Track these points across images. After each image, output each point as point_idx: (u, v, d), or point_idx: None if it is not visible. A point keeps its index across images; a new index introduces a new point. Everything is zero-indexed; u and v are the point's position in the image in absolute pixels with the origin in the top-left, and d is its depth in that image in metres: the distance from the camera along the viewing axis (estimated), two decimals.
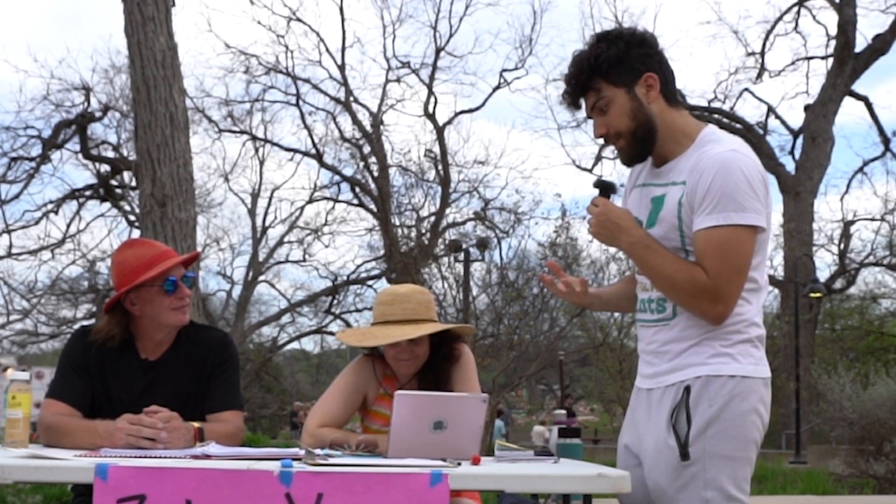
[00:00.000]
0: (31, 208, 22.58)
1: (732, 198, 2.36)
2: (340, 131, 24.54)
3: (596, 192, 2.61)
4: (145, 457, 2.28)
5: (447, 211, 21.94)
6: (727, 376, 2.43)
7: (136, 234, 19.04)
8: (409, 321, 3.02)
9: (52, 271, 23.61)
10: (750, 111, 37.97)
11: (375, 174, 22.64)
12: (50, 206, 22.69)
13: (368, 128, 23.88)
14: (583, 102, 2.58)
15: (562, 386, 26.95)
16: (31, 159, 21.95)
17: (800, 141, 26.38)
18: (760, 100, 27.78)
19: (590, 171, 25.36)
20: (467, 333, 3.27)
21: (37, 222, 22.73)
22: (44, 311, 23.43)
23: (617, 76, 2.49)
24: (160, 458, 2.27)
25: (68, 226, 23.30)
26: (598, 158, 25.10)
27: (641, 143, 2.53)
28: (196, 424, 2.67)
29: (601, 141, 2.61)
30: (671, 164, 2.53)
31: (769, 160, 26.27)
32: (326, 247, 45.22)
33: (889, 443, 11.49)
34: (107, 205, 23.15)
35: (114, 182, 22.77)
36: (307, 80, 24.63)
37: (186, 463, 2.17)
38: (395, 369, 3.13)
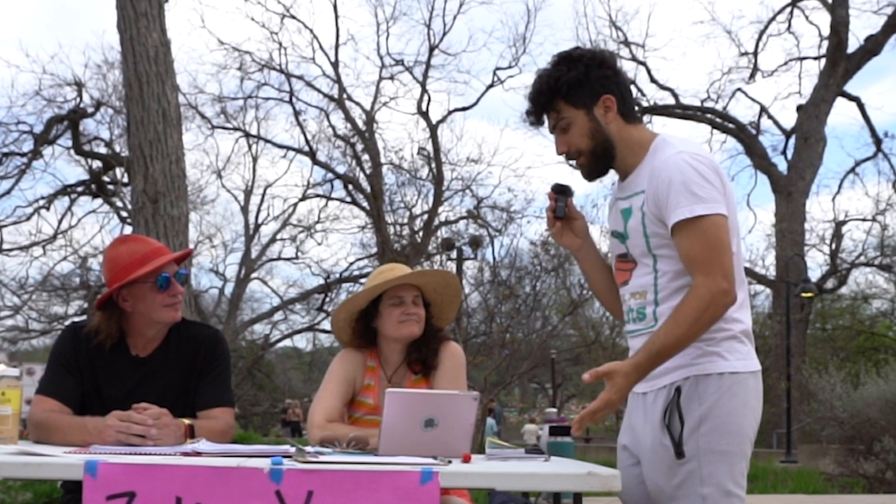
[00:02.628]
0: (23, 204, 22.57)
1: (690, 191, 2.45)
2: (334, 129, 24.52)
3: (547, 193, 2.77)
4: (135, 453, 2.27)
5: (440, 209, 21.96)
6: (716, 374, 2.49)
7: (128, 230, 18.97)
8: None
9: (43, 267, 23.61)
10: (743, 111, 38.16)
11: (368, 172, 22.63)
12: (41, 202, 22.67)
13: (362, 125, 23.86)
14: (545, 119, 2.68)
15: (553, 384, 26.98)
16: (23, 155, 21.91)
17: (792, 141, 26.45)
18: (753, 100, 27.92)
19: None
20: (457, 301, 3.40)
21: (28, 218, 22.71)
22: (35, 308, 23.40)
23: (577, 98, 2.60)
24: (150, 454, 2.26)
25: (60, 222, 23.29)
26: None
27: (600, 161, 2.65)
28: (186, 421, 2.66)
29: (564, 158, 2.71)
30: (631, 176, 2.64)
31: (761, 160, 26.36)
32: (319, 244, 45.12)
33: (879, 442, 11.53)
34: (99, 201, 23.14)
35: (106, 178, 22.72)
36: (301, 78, 24.59)
37: (176, 460, 2.16)
38: (399, 335, 3.17)
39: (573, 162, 2.69)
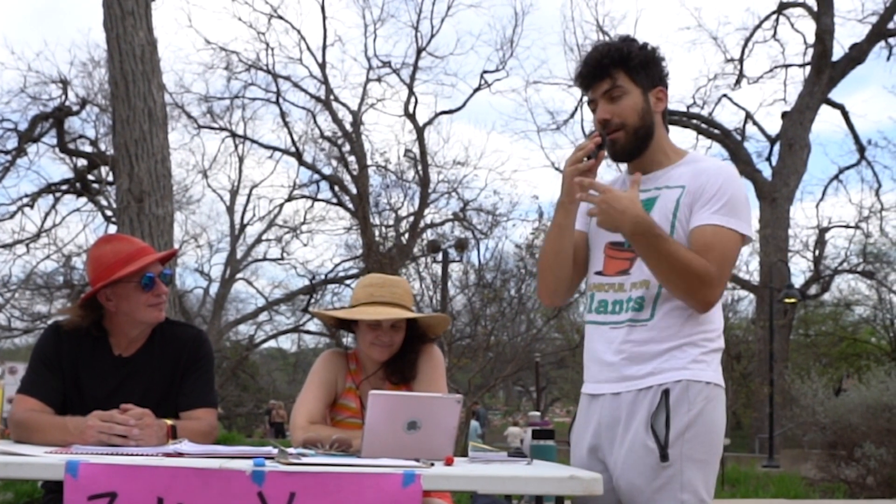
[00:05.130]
0: (6, 202, 22.41)
1: (735, 207, 2.52)
2: (320, 130, 24.53)
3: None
4: (117, 454, 2.26)
5: (426, 211, 21.95)
6: (704, 382, 2.50)
7: (112, 229, 18.88)
8: (397, 305, 3.11)
9: (26, 266, 23.45)
10: (728, 117, 38.17)
11: (355, 173, 22.61)
12: (25, 200, 22.52)
13: (348, 127, 23.86)
14: (590, 88, 2.65)
15: (538, 388, 27.00)
16: (7, 152, 21.77)
17: (777, 148, 26.62)
18: (739, 106, 28.07)
19: None
20: (444, 327, 3.34)
21: (12, 216, 22.57)
22: (18, 306, 23.23)
23: (639, 75, 2.63)
24: (132, 455, 2.25)
25: (44, 220, 23.16)
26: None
27: (638, 142, 2.63)
28: (169, 422, 2.65)
29: (601, 126, 2.63)
30: (658, 173, 2.64)
31: (746, 166, 26.47)
32: (305, 245, 45.21)
33: (860, 448, 11.60)
34: (83, 200, 23.02)
35: (91, 177, 22.62)
36: (287, 78, 24.59)
37: (158, 461, 2.15)
38: (368, 354, 3.16)
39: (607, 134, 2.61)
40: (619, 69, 2.61)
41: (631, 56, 2.61)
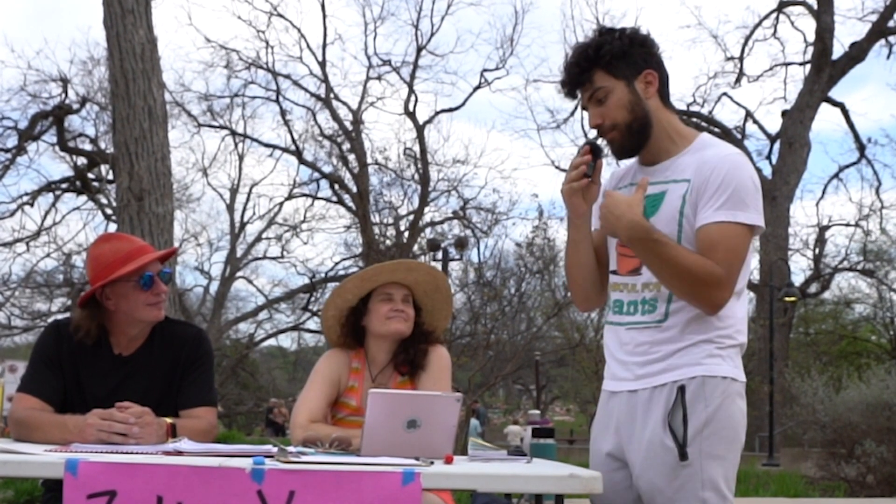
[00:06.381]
0: (6, 200, 22.42)
1: (740, 198, 2.42)
2: (320, 128, 24.53)
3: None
4: (116, 452, 2.26)
5: (426, 210, 21.96)
6: (720, 377, 2.45)
7: (112, 227, 18.89)
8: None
9: (26, 264, 23.45)
10: (728, 115, 38.18)
11: (354, 172, 22.61)
12: (25, 199, 22.53)
13: (348, 125, 23.85)
14: (579, 93, 2.60)
15: (538, 386, 27.02)
16: (7, 150, 21.77)
17: (777, 146, 26.62)
18: (739, 104, 28.09)
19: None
20: (448, 312, 3.40)
21: (12, 214, 22.57)
22: (18, 304, 23.25)
23: (618, 68, 2.53)
24: (131, 453, 2.25)
25: (44, 218, 23.17)
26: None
27: (636, 137, 2.56)
28: (168, 420, 2.65)
29: (593, 132, 2.63)
30: (666, 163, 2.56)
31: None
32: (305, 244, 45.15)
33: (860, 446, 11.60)
34: (83, 198, 23.02)
35: (91, 175, 22.62)
36: (288, 76, 24.60)
37: (158, 459, 2.15)
38: (388, 332, 3.17)
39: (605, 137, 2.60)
40: (594, 69, 2.53)
41: (601, 53, 2.52)
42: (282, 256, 29.83)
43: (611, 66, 2.52)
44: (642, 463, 2.48)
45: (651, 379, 2.49)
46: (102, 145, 21.52)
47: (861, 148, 27.40)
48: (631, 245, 2.48)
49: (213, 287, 31.21)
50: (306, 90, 24.48)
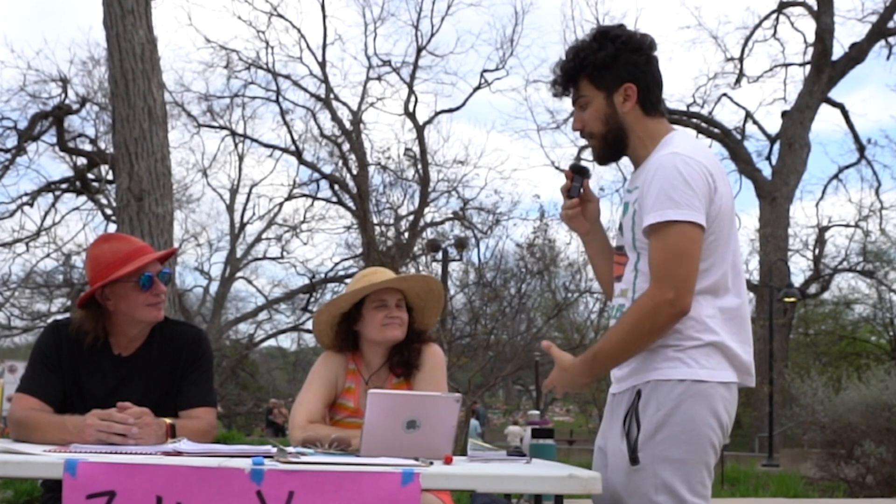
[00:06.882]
0: (6, 200, 22.42)
1: (668, 196, 2.40)
2: (320, 128, 24.54)
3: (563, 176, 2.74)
4: (115, 453, 2.26)
5: (426, 210, 21.96)
6: (676, 380, 2.44)
7: (112, 228, 18.89)
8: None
9: (26, 264, 23.45)
10: (728, 116, 38.18)
11: (355, 172, 22.61)
12: (25, 199, 22.53)
13: (348, 125, 23.85)
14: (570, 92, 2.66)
15: (537, 387, 27.01)
16: (7, 151, 21.77)
17: (777, 147, 26.63)
18: (738, 105, 28.11)
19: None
20: (438, 308, 3.38)
21: (11, 214, 22.57)
22: (17, 305, 23.24)
23: (601, 79, 2.57)
24: (131, 454, 2.25)
25: (43, 219, 23.17)
26: (578, 160, 25.21)
27: (612, 147, 2.63)
28: (168, 421, 2.65)
29: (579, 135, 2.71)
30: (639, 169, 2.60)
31: (746, 165, 26.50)
32: (304, 244, 45.21)
33: (860, 447, 11.60)
34: (83, 198, 23.02)
35: (90, 175, 22.61)
36: (287, 77, 24.61)
37: (157, 459, 2.15)
38: (383, 338, 3.17)
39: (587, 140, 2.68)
40: (580, 77, 2.58)
41: (586, 62, 2.55)
42: (282, 257, 29.88)
43: (594, 76, 2.57)
44: (609, 465, 2.55)
45: (621, 383, 2.56)
46: (102, 145, 21.52)
47: (861, 149, 27.43)
48: (595, 374, 2.58)
49: (213, 287, 31.27)
50: (306, 90, 24.52)
